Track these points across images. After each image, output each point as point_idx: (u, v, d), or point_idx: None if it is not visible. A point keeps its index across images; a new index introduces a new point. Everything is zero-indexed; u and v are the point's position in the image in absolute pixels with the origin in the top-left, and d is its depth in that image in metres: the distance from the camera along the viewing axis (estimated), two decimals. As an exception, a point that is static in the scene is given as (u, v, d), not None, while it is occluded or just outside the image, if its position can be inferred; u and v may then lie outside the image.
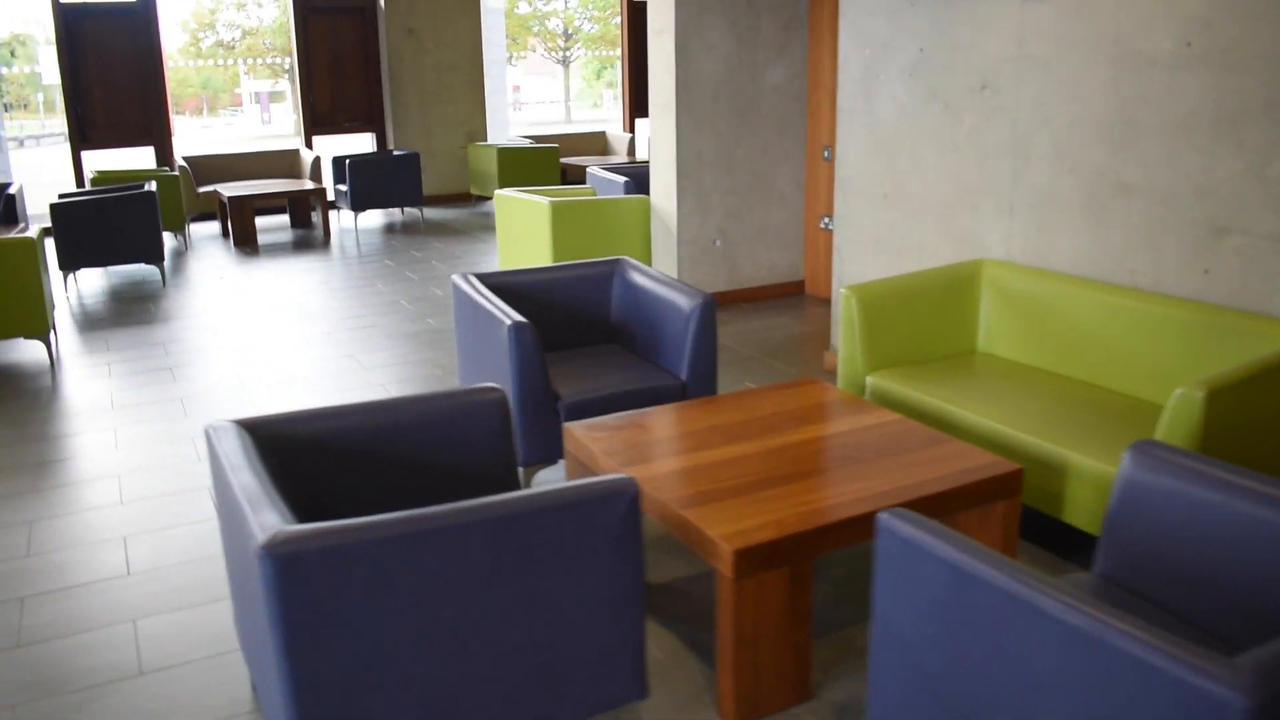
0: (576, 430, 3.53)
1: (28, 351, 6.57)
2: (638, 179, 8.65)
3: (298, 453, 2.85)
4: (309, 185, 11.07)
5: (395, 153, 11.52)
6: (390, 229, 11.08)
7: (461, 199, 12.90)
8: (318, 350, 6.44)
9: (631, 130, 14.39)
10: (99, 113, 11.46)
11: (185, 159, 11.48)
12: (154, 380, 5.94)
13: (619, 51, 15.33)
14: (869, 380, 4.34)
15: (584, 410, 4.10)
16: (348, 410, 2.99)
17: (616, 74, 50.46)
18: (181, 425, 5.18)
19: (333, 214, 11.94)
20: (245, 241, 10.30)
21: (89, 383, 5.92)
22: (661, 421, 3.63)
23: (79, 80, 11.28)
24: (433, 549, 2.21)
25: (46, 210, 8.62)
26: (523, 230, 7.31)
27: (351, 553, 2.13)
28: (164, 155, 11.79)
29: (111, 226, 8.35)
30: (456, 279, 4.56)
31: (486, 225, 11.18)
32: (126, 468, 4.66)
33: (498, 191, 7.65)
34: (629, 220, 7.37)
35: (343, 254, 9.70)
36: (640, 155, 13.79)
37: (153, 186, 8.84)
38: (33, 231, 6.43)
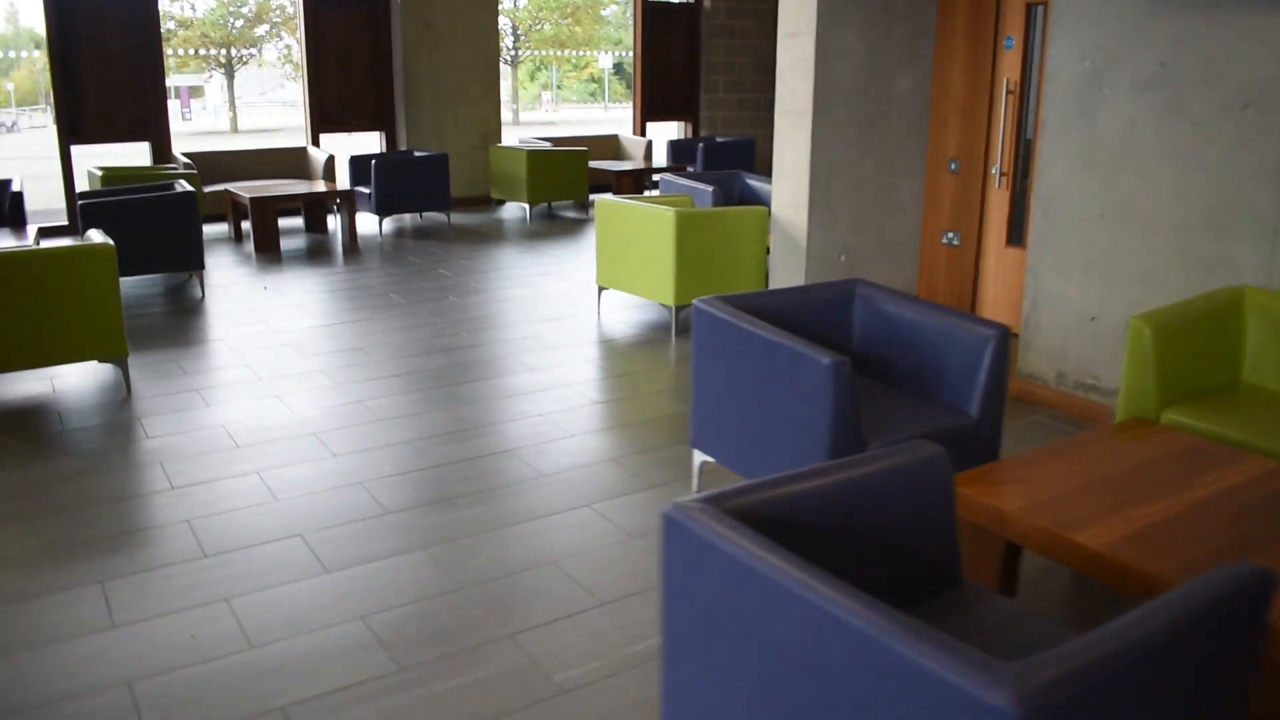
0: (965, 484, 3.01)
1: (93, 377, 5.74)
2: (723, 188, 8.15)
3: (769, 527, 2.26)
4: (335, 187, 10.29)
5: (419, 154, 10.80)
6: (417, 234, 10.34)
7: (479, 202, 12.19)
8: (446, 383, 5.77)
9: (643, 133, 13.85)
10: (91, 105, 10.49)
11: (187, 156, 10.58)
12: (268, 410, 5.20)
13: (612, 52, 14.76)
14: (1168, 417, 3.90)
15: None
16: (798, 477, 2.42)
17: (553, 76, 49.86)
18: (350, 465, 4.49)
19: (347, 218, 11.14)
20: (266, 247, 9.47)
21: (193, 418, 5.15)
22: (1037, 474, 3.12)
23: (69, 70, 10.30)
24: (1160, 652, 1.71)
25: (45, 209, 7.74)
26: (634, 240, 6.73)
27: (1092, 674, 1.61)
28: (161, 151, 10.85)
29: (148, 231, 7.52)
30: (701, 304, 3.99)
31: (521, 232, 10.52)
32: (310, 525, 3.96)
33: (600, 199, 7.05)
34: (746, 232, 6.84)
35: (383, 261, 8.95)
36: (657, 160, 13.26)
37: (186, 186, 8.01)
38: (95, 238, 5.62)
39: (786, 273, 6.83)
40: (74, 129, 10.46)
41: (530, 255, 9.32)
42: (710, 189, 7.94)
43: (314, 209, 10.57)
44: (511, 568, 3.61)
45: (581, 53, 46.30)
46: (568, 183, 11.41)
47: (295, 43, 40.20)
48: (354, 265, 8.88)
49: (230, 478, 4.35)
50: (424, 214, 11.19)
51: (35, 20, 65.97)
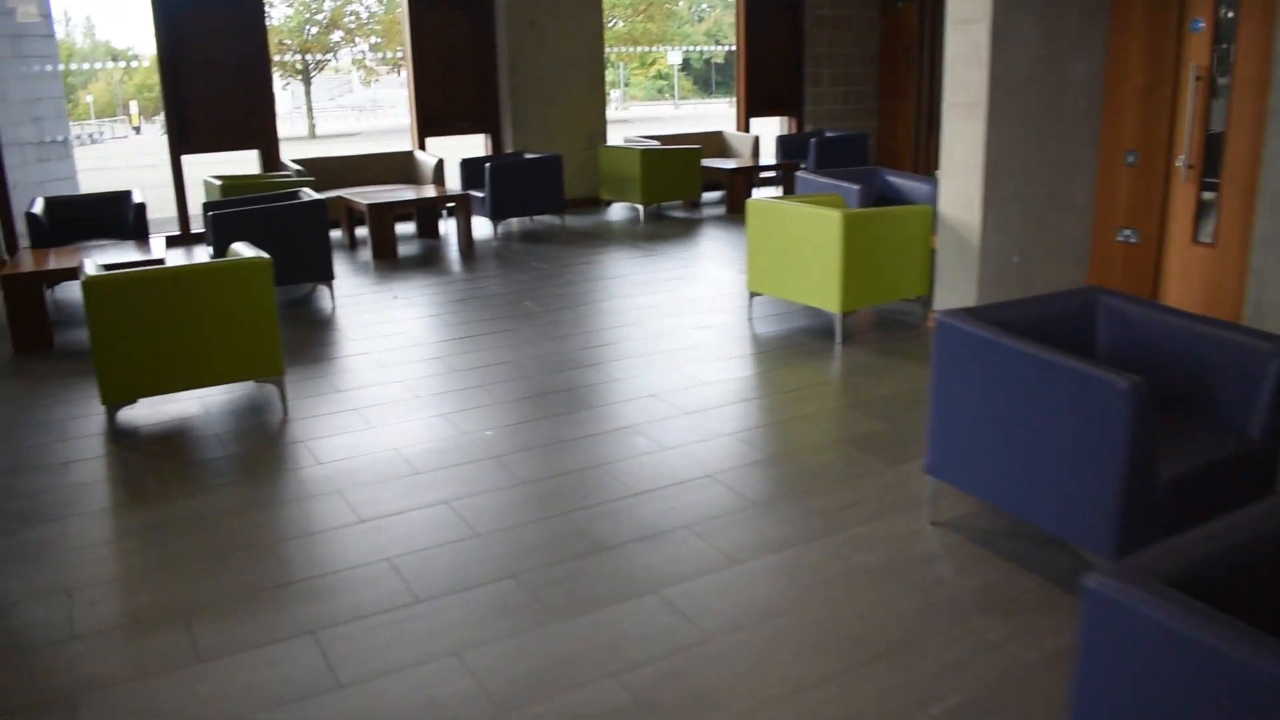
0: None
1: (243, 397, 5.50)
2: (870, 185, 7.73)
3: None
4: (445, 191, 10.04)
5: (530, 156, 10.51)
6: (530, 237, 10.05)
7: (587, 203, 11.87)
8: (614, 398, 5.44)
9: (747, 129, 13.45)
10: (200, 114, 10.34)
11: (298, 162, 10.39)
12: (436, 431, 4.91)
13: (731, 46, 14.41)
14: None
15: (1189, 489, 3.18)
16: (1235, 526, 2.03)
17: (620, 73, 49.56)
18: (544, 493, 4.17)
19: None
20: (384, 254, 9.24)
21: (360, 441, 4.87)
22: None
23: (179, 78, 10.16)
24: None
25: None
26: (792, 243, 6.34)
27: None
28: (270, 159, 10.68)
29: (279, 241, 7.27)
30: (947, 319, 3.60)
31: (637, 233, 10.17)
32: (522, 564, 3.64)
33: (753, 199, 6.67)
34: (911, 233, 6.43)
35: (505, 267, 8.65)
36: (766, 157, 12.86)
37: (311, 194, 7.78)
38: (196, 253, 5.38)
39: (956, 275, 6.41)
40: (184, 138, 10.33)
41: (655, 258, 8.97)
42: (856, 188, 7.54)
43: (425, 214, 10.33)
44: (757, 613, 3.26)
45: (653, 49, 46.00)
46: (680, 182, 11.05)
47: (366, 48, 40.40)
48: (477, 272, 8.61)
49: (418, 509, 4.05)
50: (534, 217, 10.89)
51: (114, 33, 67.17)
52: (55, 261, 6.88)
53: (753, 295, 6.85)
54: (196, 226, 10.57)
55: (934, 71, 12.42)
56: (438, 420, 5.03)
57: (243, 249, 5.39)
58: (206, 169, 11.11)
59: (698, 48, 53.79)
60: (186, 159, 10.34)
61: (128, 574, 3.62)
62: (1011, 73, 6.11)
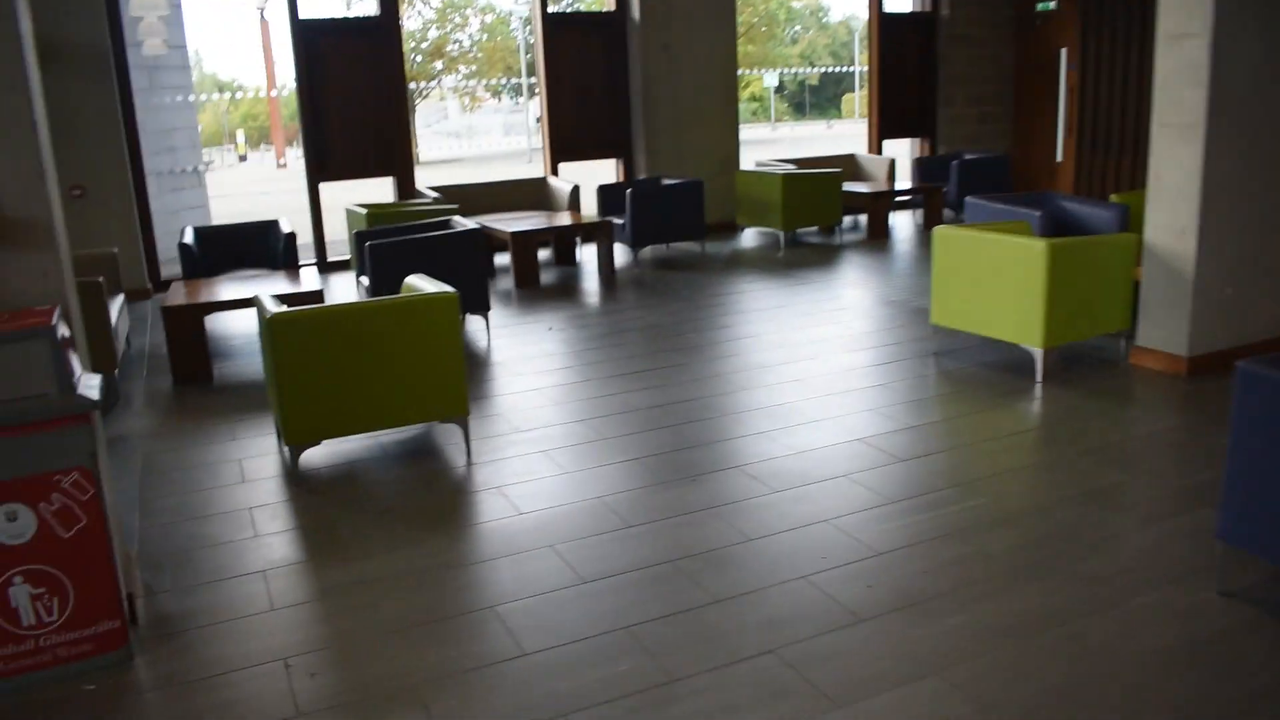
0: None
1: (420, 438, 5.26)
2: (1046, 212, 7.29)
3: None
4: (580, 218, 9.82)
5: (668, 181, 10.26)
6: (668, 265, 9.76)
7: (720, 229, 11.54)
8: (822, 441, 5.09)
9: (879, 151, 13.04)
10: (337, 142, 10.28)
11: (434, 189, 10.26)
12: (635, 478, 4.60)
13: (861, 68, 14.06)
14: None
15: None
16: None
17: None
18: (780, 553, 3.83)
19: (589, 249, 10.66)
20: (527, 283, 9.03)
21: (559, 488, 4.59)
22: None
23: (317, 104, 10.12)
24: None
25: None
26: (988, 275, 5.93)
27: None
28: (405, 186, 10.58)
29: (435, 270, 7.06)
30: (1249, 366, 3.18)
31: (780, 260, 9.81)
32: (781, 636, 3.30)
33: (940, 229, 6.29)
34: (1115, 263, 5.97)
35: (653, 296, 8.36)
36: (901, 181, 12.43)
37: (464, 223, 7.60)
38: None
39: (1163, 309, 5.93)
40: (322, 165, 10.28)
41: (809, 287, 8.61)
42: (1036, 214, 7.11)
43: (562, 240, 10.13)
44: (1055, 702, 2.86)
45: (751, 71, 45.76)
46: (820, 207, 10.68)
47: (461, 75, 40.80)
48: (625, 301, 8.34)
49: (643, 568, 3.73)
50: (670, 244, 10.60)
51: (219, 66, 69.23)
52: (219, 293, 6.77)
53: (936, 328, 6.44)
54: (333, 254, 10.50)
55: (1097, 89, 11.88)
56: (634, 466, 4.73)
57: (422, 283, 5.17)
58: (336, 196, 11.06)
59: (792, 69, 53.50)
60: (321, 186, 10.28)
61: (342, 640, 3.36)
62: (1230, 91, 5.64)
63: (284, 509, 4.43)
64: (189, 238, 8.00)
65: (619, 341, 7.00)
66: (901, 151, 13.55)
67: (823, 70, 57.43)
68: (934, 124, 13.32)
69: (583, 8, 31.57)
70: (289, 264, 7.90)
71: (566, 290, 8.91)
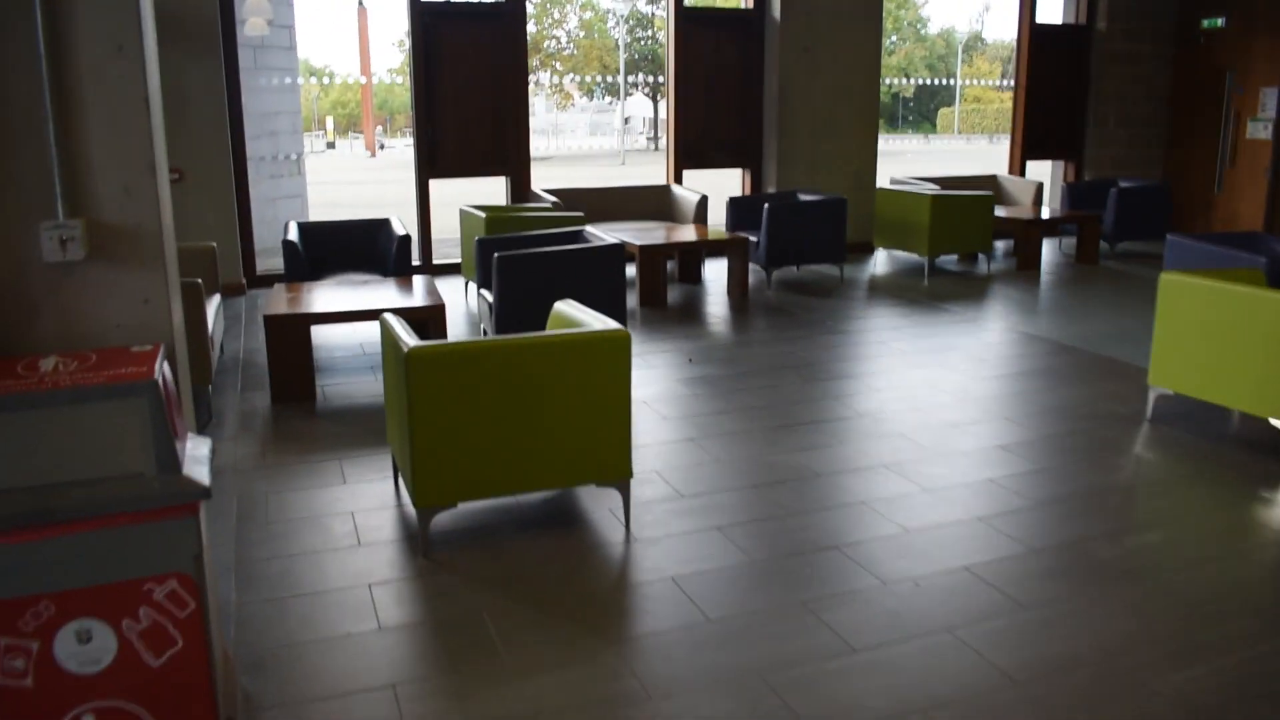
0: None
1: (561, 501, 4.40)
2: (1270, 255, 6.27)
3: None
4: (706, 232, 8.95)
5: (806, 197, 9.36)
6: (802, 288, 8.85)
7: (855, 250, 10.58)
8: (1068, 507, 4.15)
9: (1022, 173, 11.99)
10: (450, 138, 9.52)
11: (550, 192, 9.46)
12: (852, 580, 3.70)
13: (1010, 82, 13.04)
14: None
15: None
16: None
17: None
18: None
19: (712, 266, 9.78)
20: (652, 301, 8.18)
21: (746, 580, 3.71)
22: None
23: (432, 95, 9.36)
24: None
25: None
26: (1229, 333, 4.94)
27: None
28: (519, 188, 9.79)
29: (569, 289, 6.22)
30: None
31: (925, 290, 8.84)
32: None
33: (1168, 276, 5.30)
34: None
35: (794, 324, 7.44)
36: (1050, 205, 11.36)
37: (599, 235, 6.76)
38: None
39: None
40: (432, 161, 9.53)
41: (970, 325, 7.63)
42: (1262, 259, 6.10)
43: (688, 256, 9.26)
44: None
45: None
46: (969, 233, 9.68)
47: (552, 74, 40.14)
48: (764, 329, 7.44)
49: (886, 716, 2.84)
50: (800, 265, 9.68)
51: (311, 51, 69.48)
52: (327, 301, 6.01)
53: (1155, 391, 5.45)
54: (439, 257, 9.76)
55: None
56: (835, 558, 3.82)
57: (578, 313, 4.33)
58: (440, 193, 10.31)
59: (887, 80, 52.18)
60: (431, 183, 9.54)
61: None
62: None
63: (412, 589, 3.61)
64: (293, 234, 7.27)
65: (774, 381, 6.11)
66: (1041, 174, 12.48)
67: (919, 82, 56.00)
68: (1081, 146, 12.23)
69: (717, 4, 30.80)
70: (400, 270, 7.12)
71: (694, 311, 8.04)
